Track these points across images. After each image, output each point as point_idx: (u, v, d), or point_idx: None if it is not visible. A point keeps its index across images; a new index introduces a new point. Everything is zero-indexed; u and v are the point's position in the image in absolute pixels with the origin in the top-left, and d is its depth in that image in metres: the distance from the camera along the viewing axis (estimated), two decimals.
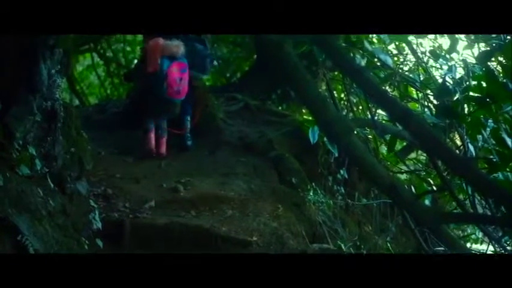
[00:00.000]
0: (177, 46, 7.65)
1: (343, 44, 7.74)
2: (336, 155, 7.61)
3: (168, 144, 7.93)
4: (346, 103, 10.28)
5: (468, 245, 9.28)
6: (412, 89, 9.19)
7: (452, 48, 7.67)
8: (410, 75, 9.12)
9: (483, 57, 7.01)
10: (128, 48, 14.48)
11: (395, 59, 9.50)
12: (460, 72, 7.08)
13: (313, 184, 7.34)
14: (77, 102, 13.03)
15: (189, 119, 8.23)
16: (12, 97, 4.34)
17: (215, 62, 12.69)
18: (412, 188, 8.15)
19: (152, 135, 7.75)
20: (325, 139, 7.37)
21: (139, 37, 11.25)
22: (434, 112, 7.82)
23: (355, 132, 6.99)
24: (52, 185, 4.62)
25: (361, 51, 8.11)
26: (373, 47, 8.34)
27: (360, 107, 10.28)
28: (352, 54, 7.81)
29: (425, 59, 8.87)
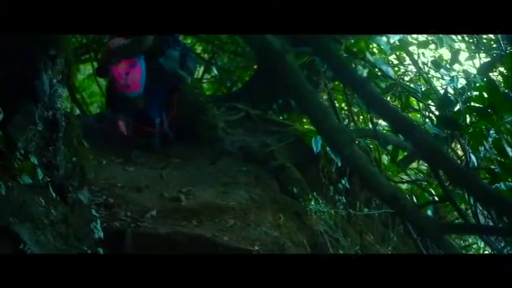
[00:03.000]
0: (119, 43, 7.75)
1: (345, 55, 7.74)
2: (339, 164, 7.60)
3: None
4: (347, 113, 10.28)
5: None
6: (412, 99, 9.18)
7: (454, 60, 7.68)
8: (411, 85, 9.11)
9: (484, 68, 7.02)
10: None
11: (396, 69, 9.50)
12: (461, 83, 7.09)
13: (315, 193, 7.33)
14: (77, 111, 13.01)
15: (158, 121, 8.27)
16: (14, 107, 4.34)
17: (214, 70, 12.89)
18: (414, 198, 8.13)
19: (120, 123, 7.97)
20: (327, 148, 7.35)
21: None
22: (435, 122, 7.82)
23: (357, 142, 6.99)
24: (54, 195, 4.61)
25: (362, 62, 8.12)
26: (375, 57, 8.35)
27: (361, 117, 10.28)
28: (353, 65, 7.82)
29: (426, 69, 8.87)
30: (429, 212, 7.83)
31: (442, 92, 7.59)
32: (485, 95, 6.19)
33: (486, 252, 8.66)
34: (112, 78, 7.74)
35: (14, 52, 4.32)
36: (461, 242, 9.70)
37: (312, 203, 7.01)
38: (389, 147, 8.86)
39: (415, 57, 9.02)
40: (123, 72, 7.66)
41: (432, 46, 8.73)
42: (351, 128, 9.19)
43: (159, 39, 7.93)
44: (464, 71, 7.48)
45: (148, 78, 7.82)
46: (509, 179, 6.12)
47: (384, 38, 8.12)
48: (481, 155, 6.82)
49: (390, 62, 9.27)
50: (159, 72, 7.93)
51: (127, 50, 7.76)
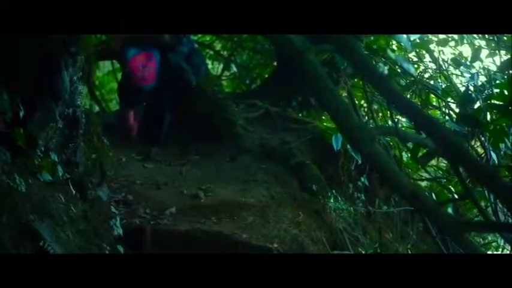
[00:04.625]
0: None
1: (366, 52, 7.71)
2: (360, 162, 7.56)
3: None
4: (366, 110, 10.24)
5: (489, 252, 9.22)
6: (432, 96, 9.15)
7: (475, 57, 7.65)
8: (431, 82, 9.07)
9: (505, 65, 6.99)
10: None
11: (416, 66, 9.46)
12: (481, 80, 7.06)
13: (334, 191, 7.30)
14: (97, 108, 13.01)
15: (168, 114, 8.36)
16: (34, 104, 4.35)
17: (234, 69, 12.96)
18: (433, 195, 8.09)
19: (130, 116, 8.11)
20: (347, 146, 7.33)
21: None
22: (455, 120, 7.79)
23: (377, 139, 6.97)
24: (74, 191, 4.62)
25: (383, 59, 8.09)
26: (395, 54, 8.32)
27: (380, 114, 10.24)
28: (374, 62, 7.80)
29: (445, 66, 8.84)
30: (449, 210, 7.79)
31: (462, 89, 7.56)
32: (506, 92, 6.16)
33: (506, 250, 8.62)
34: (128, 71, 7.79)
35: (34, 49, 4.33)
36: (481, 239, 9.66)
37: (331, 201, 6.98)
38: (409, 144, 8.83)
39: (435, 54, 8.99)
40: (140, 65, 7.72)
41: (452, 43, 8.70)
42: (371, 126, 9.16)
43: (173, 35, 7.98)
44: (484, 69, 7.44)
45: (160, 73, 7.88)
46: None
47: (405, 35, 8.09)
48: (502, 152, 6.78)
49: (410, 60, 9.23)
50: (167, 67, 7.99)
51: (145, 40, 7.80)
